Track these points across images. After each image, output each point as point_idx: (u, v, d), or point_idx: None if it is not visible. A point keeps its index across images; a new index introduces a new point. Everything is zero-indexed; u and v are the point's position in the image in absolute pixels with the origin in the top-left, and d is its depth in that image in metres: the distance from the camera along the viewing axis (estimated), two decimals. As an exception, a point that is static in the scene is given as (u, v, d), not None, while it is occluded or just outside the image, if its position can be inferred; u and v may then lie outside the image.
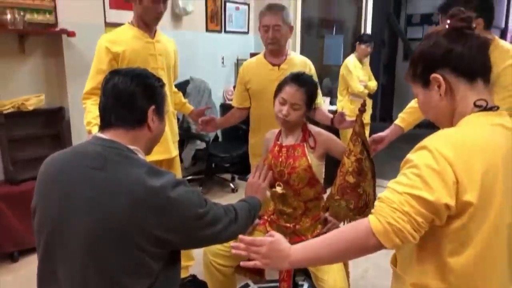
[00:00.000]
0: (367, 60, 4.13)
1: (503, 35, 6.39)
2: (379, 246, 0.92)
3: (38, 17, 2.80)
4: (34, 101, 2.80)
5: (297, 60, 2.32)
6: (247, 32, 4.68)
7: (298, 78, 1.72)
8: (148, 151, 1.23)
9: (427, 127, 1.12)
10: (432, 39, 1.02)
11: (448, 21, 1.02)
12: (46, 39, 2.93)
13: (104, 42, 1.98)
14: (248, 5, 4.62)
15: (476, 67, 0.99)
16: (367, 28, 4.24)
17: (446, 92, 1.00)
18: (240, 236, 1.07)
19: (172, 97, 2.24)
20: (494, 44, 1.70)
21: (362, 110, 1.57)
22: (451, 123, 1.03)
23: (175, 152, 2.24)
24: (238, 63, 4.53)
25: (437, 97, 1.02)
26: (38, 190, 1.13)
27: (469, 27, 1.00)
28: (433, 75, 1.00)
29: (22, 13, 2.65)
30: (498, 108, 0.99)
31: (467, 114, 0.99)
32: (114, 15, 3.24)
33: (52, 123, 2.96)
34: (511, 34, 5.64)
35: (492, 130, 0.96)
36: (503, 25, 6.53)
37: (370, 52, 3.92)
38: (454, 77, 0.99)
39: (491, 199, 0.90)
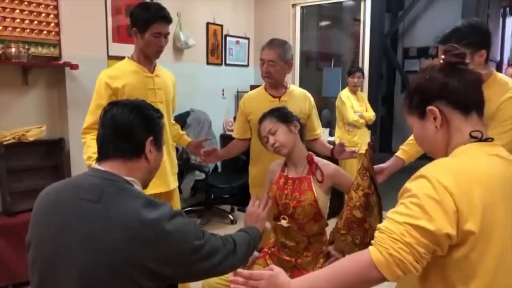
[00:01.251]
0: (363, 93, 4.21)
1: (498, 68, 6.52)
2: (381, 279, 0.90)
3: (42, 51, 2.86)
4: (34, 132, 2.81)
5: (297, 93, 2.35)
6: (247, 65, 4.77)
7: (261, 117, 1.83)
8: (145, 183, 1.21)
9: (427, 158, 1.12)
10: (428, 72, 1.05)
11: (443, 56, 1.04)
12: (49, 71, 2.97)
13: (104, 77, 2.00)
14: (248, 39, 4.73)
15: (471, 101, 1.02)
16: (365, 61, 4.32)
17: (442, 124, 1.02)
18: (239, 270, 1.04)
19: (171, 130, 2.25)
20: (492, 78, 1.72)
21: (372, 145, 1.58)
22: (446, 154, 1.04)
23: (173, 184, 2.22)
24: (238, 95, 4.59)
25: (433, 129, 1.03)
26: (33, 223, 1.11)
27: (462, 62, 1.03)
28: (429, 107, 1.02)
29: (26, 47, 2.71)
30: (492, 139, 1.01)
31: (462, 145, 1.00)
32: (117, 48, 3.31)
33: (52, 154, 2.96)
34: (506, 66, 5.75)
35: (489, 159, 0.97)
36: (498, 58, 6.68)
37: (358, 82, 3.99)
38: (450, 110, 1.01)
39: (492, 229, 0.90)
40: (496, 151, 1.00)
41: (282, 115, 1.78)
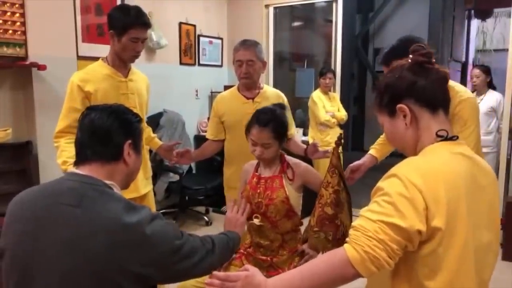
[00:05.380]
0: (335, 93, 4.30)
1: (463, 68, 6.75)
2: (356, 275, 0.92)
3: (7, 51, 2.75)
4: (0, 135, 2.71)
5: (270, 93, 2.36)
6: (220, 65, 4.75)
7: (261, 119, 1.69)
8: (125, 185, 1.22)
9: (399, 156, 1.17)
10: (397, 71, 1.09)
11: (411, 56, 1.08)
12: (15, 72, 2.87)
13: (76, 80, 1.95)
14: (222, 39, 4.72)
15: (438, 98, 1.07)
16: (337, 61, 4.39)
17: (411, 121, 1.06)
18: (214, 272, 1.05)
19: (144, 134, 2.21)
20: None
21: (338, 143, 1.62)
22: (415, 150, 1.08)
23: (146, 189, 2.18)
24: (212, 96, 4.57)
25: (403, 126, 1.07)
26: (6, 230, 1.08)
27: (429, 61, 1.07)
28: (399, 105, 1.06)
29: (-10, 46, 2.61)
30: (457, 137, 1.06)
31: (430, 143, 1.05)
32: (87, 48, 3.23)
33: (19, 157, 2.85)
34: (471, 67, 5.96)
35: (454, 158, 1.02)
36: (463, 59, 6.91)
37: (329, 83, 4.08)
38: (418, 107, 1.05)
39: (456, 223, 0.94)
40: (460, 149, 1.05)
41: (282, 133, 1.72)
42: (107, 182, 1.11)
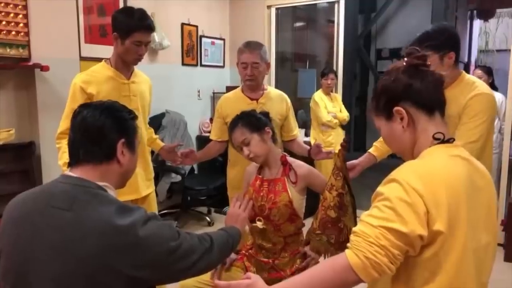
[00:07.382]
0: (337, 94, 4.29)
1: (466, 69, 6.73)
2: (357, 281, 0.92)
3: (11, 52, 2.76)
4: (3, 135, 2.72)
5: (274, 94, 2.37)
6: (222, 66, 4.76)
7: (230, 125, 1.80)
8: (120, 185, 1.19)
9: (399, 157, 1.17)
10: (393, 74, 1.09)
11: (406, 59, 1.09)
12: (18, 72, 2.88)
13: (78, 82, 1.96)
14: (224, 40, 4.72)
15: (434, 101, 1.07)
16: (339, 62, 4.39)
17: (408, 124, 1.06)
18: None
19: (146, 135, 2.21)
20: (461, 78, 1.80)
21: (344, 145, 1.61)
22: (413, 154, 1.08)
23: (147, 190, 2.17)
24: (214, 96, 4.58)
25: (400, 129, 1.08)
26: (3, 232, 1.08)
27: (424, 64, 1.08)
28: (396, 108, 1.06)
29: (-7, 48, 2.62)
30: (454, 140, 1.06)
31: (427, 146, 1.05)
32: (89, 49, 3.24)
33: (21, 158, 2.86)
34: (473, 68, 5.95)
35: (452, 161, 1.02)
36: (466, 60, 6.89)
37: (331, 84, 4.07)
38: (415, 110, 1.06)
39: (456, 226, 0.94)
40: (458, 152, 1.05)
41: (253, 124, 1.75)
42: (100, 183, 1.08)
